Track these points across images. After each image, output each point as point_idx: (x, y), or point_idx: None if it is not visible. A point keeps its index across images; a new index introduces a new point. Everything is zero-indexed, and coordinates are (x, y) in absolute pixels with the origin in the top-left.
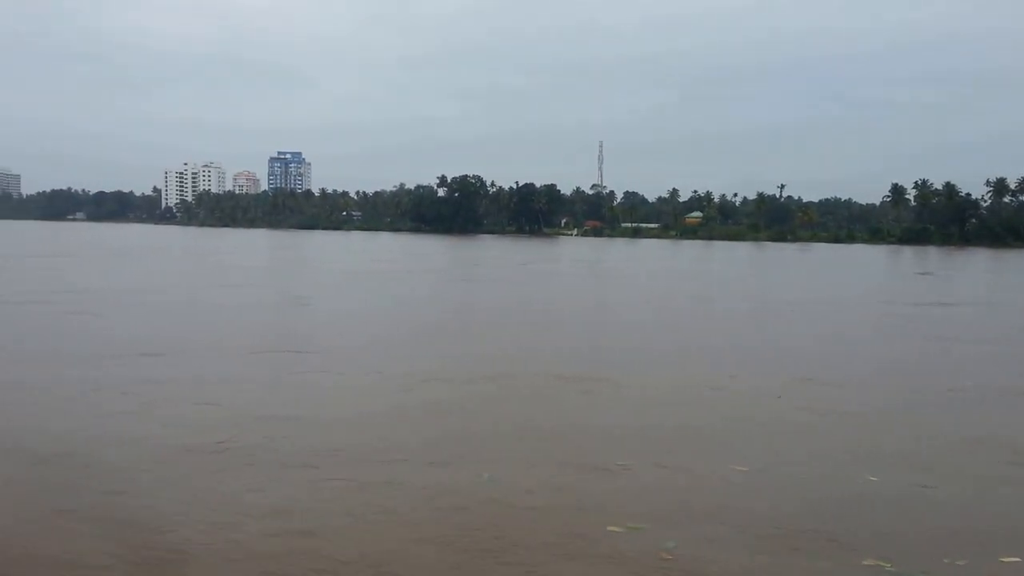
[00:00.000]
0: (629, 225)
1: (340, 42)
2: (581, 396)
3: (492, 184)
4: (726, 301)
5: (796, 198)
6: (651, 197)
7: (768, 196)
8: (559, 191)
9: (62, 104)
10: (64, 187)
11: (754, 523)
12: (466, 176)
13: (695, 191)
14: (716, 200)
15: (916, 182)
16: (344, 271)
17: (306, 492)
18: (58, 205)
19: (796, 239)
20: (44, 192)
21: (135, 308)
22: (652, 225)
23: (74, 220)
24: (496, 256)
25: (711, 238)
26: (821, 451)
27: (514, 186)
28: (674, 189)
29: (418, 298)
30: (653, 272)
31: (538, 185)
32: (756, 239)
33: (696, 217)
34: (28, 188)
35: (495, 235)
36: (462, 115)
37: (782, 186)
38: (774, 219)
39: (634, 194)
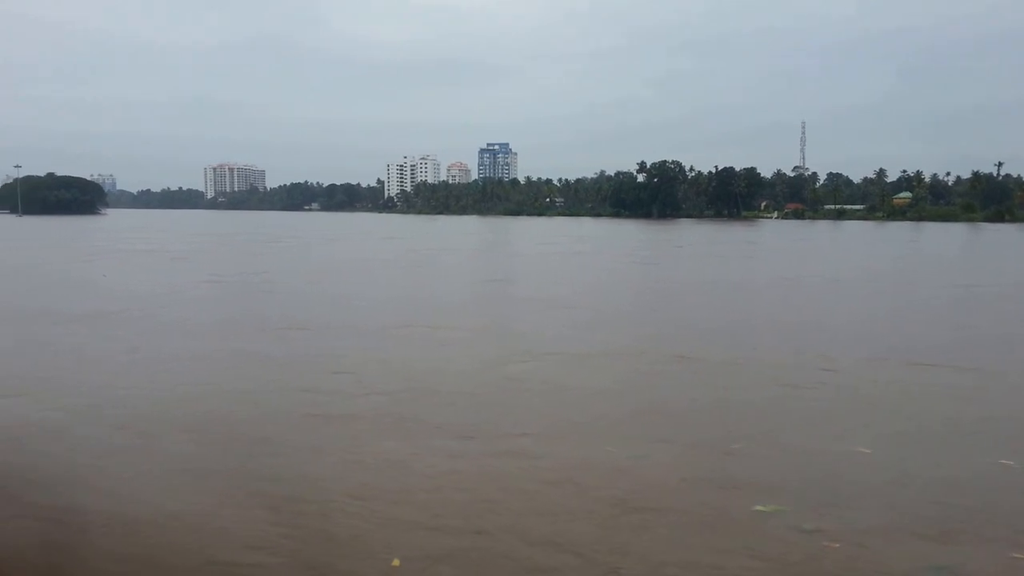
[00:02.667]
0: (832, 207)
1: (543, 37)
2: (713, 374)
3: (691, 169)
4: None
5: (1015, 176)
6: (856, 178)
7: (984, 175)
8: (759, 174)
9: (301, 103)
10: (301, 181)
11: (897, 508)
12: (664, 162)
13: (903, 170)
14: (926, 180)
15: None
16: (541, 253)
17: (451, 463)
18: (296, 197)
19: (1015, 219)
20: (284, 185)
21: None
22: (857, 207)
23: (309, 210)
24: (671, 238)
25: (920, 219)
26: (946, 434)
27: (713, 170)
28: (881, 169)
29: (606, 279)
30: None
31: (737, 169)
32: (970, 220)
33: (904, 198)
34: (271, 182)
35: (693, 219)
36: (661, 100)
37: (999, 164)
38: (990, 198)
39: (838, 175)
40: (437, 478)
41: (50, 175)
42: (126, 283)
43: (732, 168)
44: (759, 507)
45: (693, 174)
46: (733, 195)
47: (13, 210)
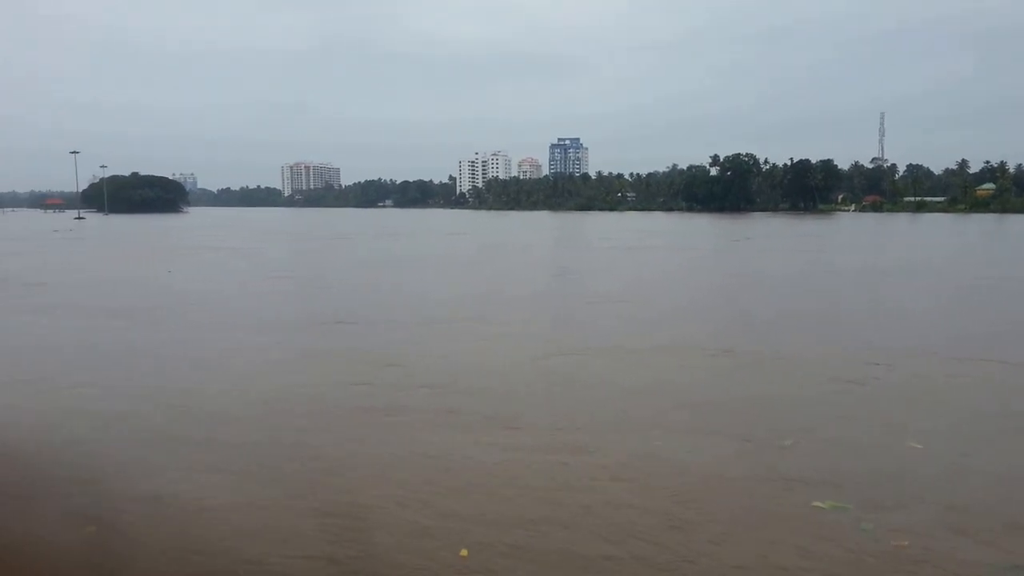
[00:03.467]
0: (912, 199)
1: (614, 29)
2: (758, 369)
3: (765, 161)
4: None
5: None
6: (937, 169)
7: None
8: (836, 166)
9: (374, 103)
10: (375, 178)
11: (960, 504)
12: (738, 154)
13: (987, 161)
14: (1011, 170)
15: None
16: (607, 248)
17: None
18: (370, 194)
19: None
20: (359, 183)
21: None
22: (937, 199)
23: (383, 207)
24: (734, 232)
25: (1004, 211)
26: (999, 427)
27: (788, 163)
28: (963, 160)
29: (667, 273)
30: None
31: (813, 161)
32: None
33: (988, 189)
34: (346, 179)
35: (767, 213)
36: (734, 93)
37: None
38: None
39: (918, 167)
40: (492, 471)
41: (134, 175)
42: (194, 279)
43: (808, 160)
44: (817, 503)
45: (768, 167)
46: (809, 188)
47: (100, 208)
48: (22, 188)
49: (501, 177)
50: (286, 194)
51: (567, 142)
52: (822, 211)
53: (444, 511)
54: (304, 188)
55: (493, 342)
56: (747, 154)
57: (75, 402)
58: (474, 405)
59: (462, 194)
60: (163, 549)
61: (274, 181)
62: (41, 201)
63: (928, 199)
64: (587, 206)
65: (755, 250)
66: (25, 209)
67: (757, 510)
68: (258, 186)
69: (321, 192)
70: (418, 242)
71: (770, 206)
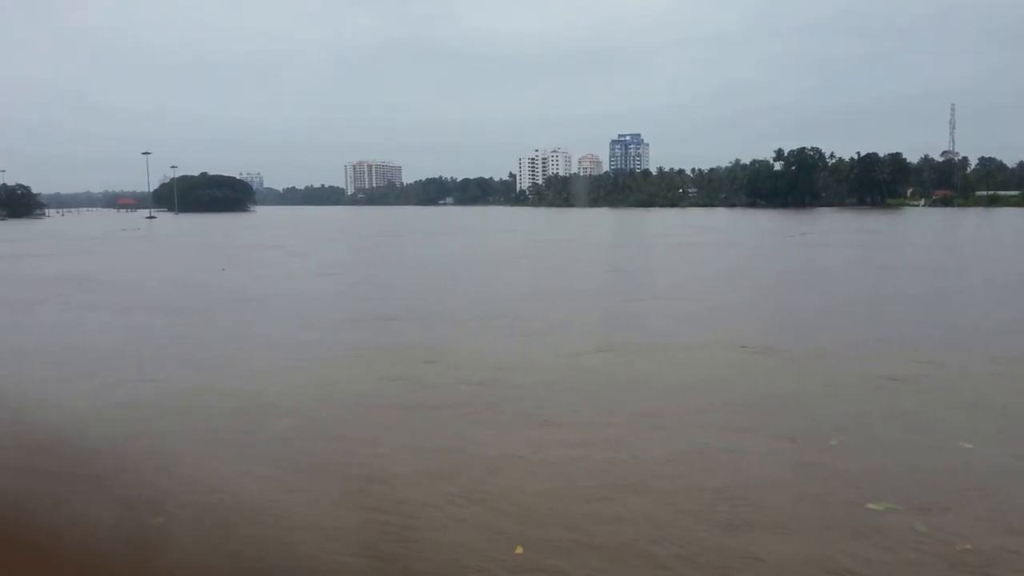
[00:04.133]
0: (984, 193)
1: (673, 21)
2: (783, 369)
3: (831, 156)
4: None
5: None
6: (1011, 163)
7: None
8: (904, 159)
9: (435, 101)
10: (436, 175)
11: (1013, 508)
12: (803, 149)
13: None
14: None
15: None
16: (664, 244)
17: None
18: (431, 192)
19: None
20: (420, 181)
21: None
22: (1011, 192)
23: (444, 205)
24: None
25: None
26: None
27: (855, 156)
28: None
29: (721, 268)
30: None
31: (881, 155)
32: None
33: None
34: (408, 178)
35: (833, 208)
36: (799, 86)
37: None
38: None
39: (991, 160)
40: (539, 468)
41: (203, 174)
42: (247, 277)
43: (875, 154)
44: (872, 505)
45: (834, 161)
46: (876, 182)
47: (170, 208)
48: (96, 188)
49: (561, 174)
50: (349, 192)
51: (627, 138)
52: (890, 206)
53: (494, 508)
54: (367, 187)
55: (536, 338)
56: (812, 148)
57: (131, 397)
58: (516, 402)
59: (522, 191)
60: (218, 542)
61: (338, 180)
62: (114, 201)
63: (1001, 193)
64: (648, 202)
65: (807, 246)
66: (99, 209)
67: (810, 510)
68: (322, 185)
69: (383, 190)
70: (470, 240)
71: (836, 201)
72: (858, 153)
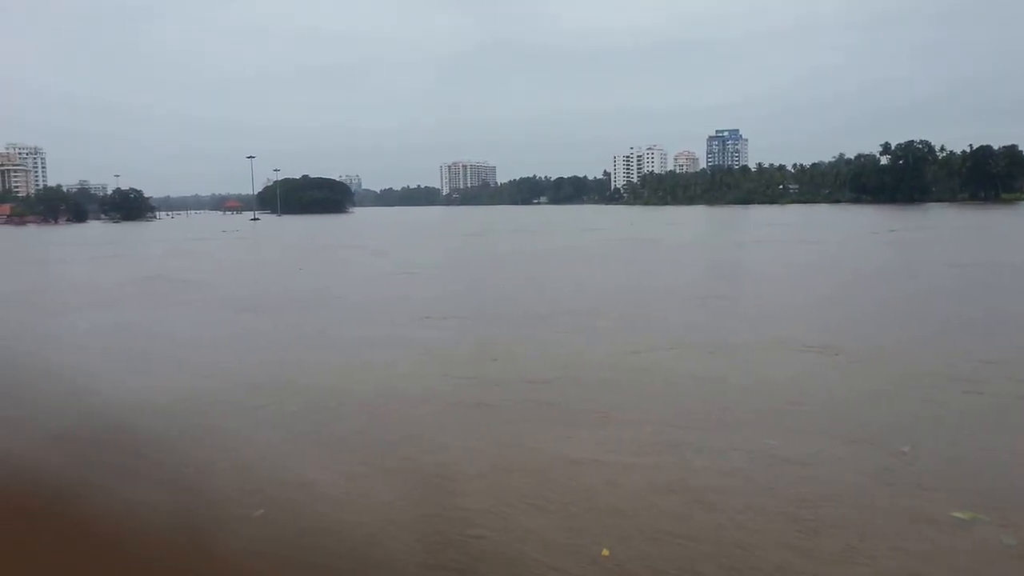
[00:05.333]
0: None
1: (776, 12)
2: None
3: (942, 149)
4: None
5: None
6: None
7: None
8: (1021, 152)
9: (530, 100)
10: (530, 175)
11: None
12: (912, 142)
13: None
14: None
15: None
16: (752, 242)
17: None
18: (524, 191)
19: None
20: (514, 180)
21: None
22: None
23: (538, 204)
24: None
25: None
26: None
27: (967, 149)
28: None
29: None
30: None
31: (996, 147)
32: None
33: None
34: (502, 177)
35: (943, 203)
36: (910, 77)
37: None
38: None
39: None
40: (612, 469)
41: (304, 177)
42: (324, 276)
43: (989, 147)
44: (957, 514)
45: (944, 154)
46: (991, 176)
47: (273, 210)
48: (204, 191)
49: (656, 171)
50: (444, 193)
51: (725, 134)
52: (1005, 200)
53: (573, 510)
54: (461, 187)
55: (600, 335)
56: (922, 141)
57: (202, 391)
58: (582, 401)
59: (616, 190)
60: (300, 534)
61: (433, 180)
62: (221, 204)
63: None
64: (746, 199)
65: (906, 243)
66: (206, 211)
67: (890, 518)
68: (418, 186)
69: (477, 190)
70: (554, 239)
71: (947, 196)
72: (971, 146)
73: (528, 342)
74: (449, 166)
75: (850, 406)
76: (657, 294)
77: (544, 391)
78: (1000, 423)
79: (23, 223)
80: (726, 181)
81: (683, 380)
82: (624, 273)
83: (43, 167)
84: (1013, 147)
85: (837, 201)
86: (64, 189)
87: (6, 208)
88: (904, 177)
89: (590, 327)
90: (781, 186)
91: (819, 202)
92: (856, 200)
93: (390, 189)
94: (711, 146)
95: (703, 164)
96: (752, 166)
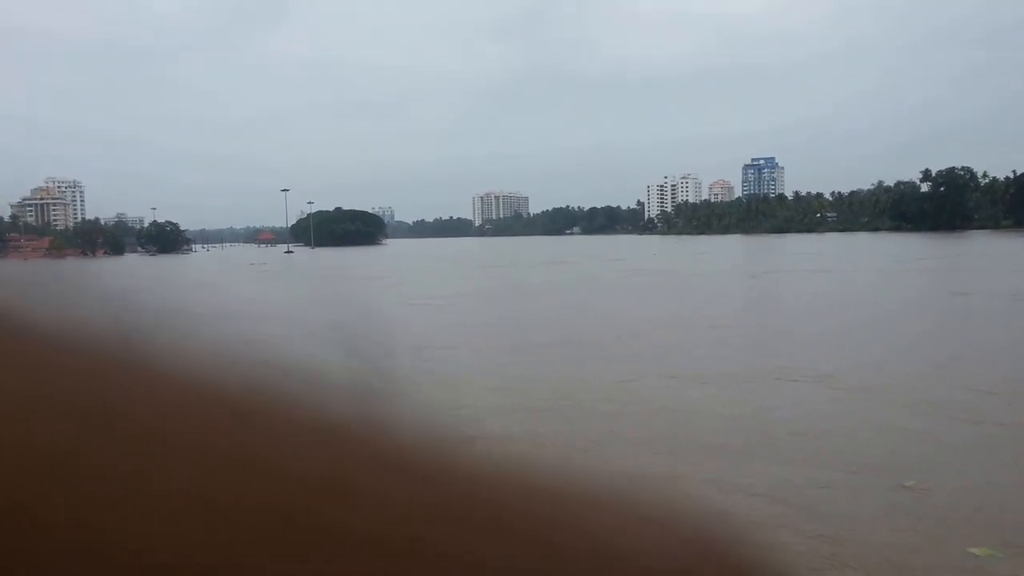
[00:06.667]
0: None
1: (811, 39)
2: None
3: (984, 175)
4: None
5: None
6: None
7: None
8: None
9: (565, 129)
10: (563, 205)
11: None
12: (952, 168)
13: None
14: None
15: None
16: (782, 272)
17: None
18: (557, 222)
19: None
20: (547, 211)
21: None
22: None
23: (570, 235)
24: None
25: None
26: None
27: (1010, 176)
28: None
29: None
30: None
31: None
32: None
33: None
34: (534, 208)
35: (986, 231)
36: (950, 100)
37: None
38: None
39: None
40: None
41: (337, 209)
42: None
43: None
44: (973, 550)
45: (987, 181)
46: None
47: (307, 242)
48: (239, 224)
49: (691, 201)
50: (476, 224)
51: (761, 162)
52: None
53: None
54: (494, 217)
55: (592, 364)
56: (963, 167)
57: None
58: (562, 425)
59: (650, 219)
60: None
61: (466, 211)
62: (255, 236)
63: None
64: (783, 228)
65: (913, 272)
66: (241, 244)
67: (907, 554)
68: (450, 217)
69: (510, 221)
70: (577, 270)
71: (990, 224)
72: (1014, 172)
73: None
74: (482, 197)
75: (850, 437)
76: (670, 325)
77: (543, 420)
78: (1004, 457)
79: (62, 256)
80: (762, 210)
81: (666, 408)
82: (612, 302)
83: (82, 200)
84: None
85: (876, 229)
86: (102, 222)
87: (45, 241)
88: (945, 205)
89: (590, 355)
90: (819, 214)
91: (858, 230)
92: (896, 228)
93: (423, 221)
94: (747, 174)
95: (738, 193)
96: (789, 194)
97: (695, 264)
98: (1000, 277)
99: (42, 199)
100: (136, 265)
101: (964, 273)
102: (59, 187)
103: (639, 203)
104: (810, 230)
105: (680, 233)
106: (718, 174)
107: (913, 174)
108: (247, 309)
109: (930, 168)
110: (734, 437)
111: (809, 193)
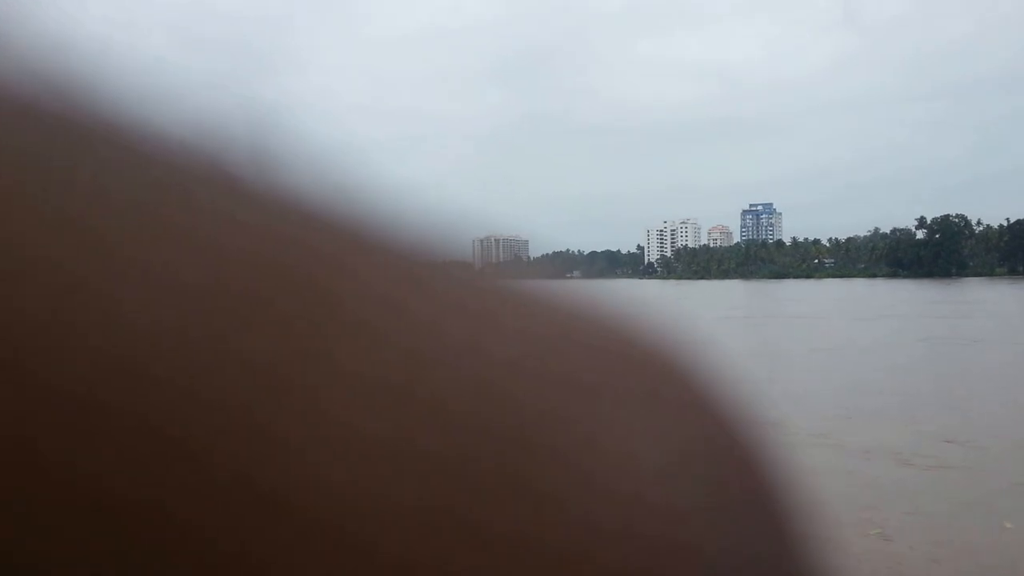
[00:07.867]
0: None
1: (808, 89)
2: None
3: (978, 223)
4: None
5: None
6: None
7: None
8: None
9: (566, 174)
10: (563, 249)
11: None
12: (947, 216)
13: None
14: None
15: None
16: (782, 317)
17: None
18: (557, 265)
19: None
20: (547, 254)
21: None
22: None
23: (570, 278)
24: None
25: None
26: None
27: (1004, 223)
28: None
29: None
30: None
31: None
32: None
33: None
34: (534, 251)
35: (980, 278)
36: (946, 147)
37: None
38: None
39: None
40: None
41: None
42: None
43: None
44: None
45: (981, 228)
46: None
47: None
48: None
49: (691, 245)
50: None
51: (759, 207)
52: None
53: None
54: (493, 261)
55: None
56: (957, 215)
57: None
58: None
59: (650, 264)
60: None
61: (465, 256)
62: None
63: None
64: (781, 274)
65: (888, 318)
66: None
67: None
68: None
69: (507, 265)
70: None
71: (985, 271)
72: (1007, 219)
73: None
74: (482, 240)
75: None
76: None
77: None
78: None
79: None
80: (760, 255)
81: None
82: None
83: None
84: None
85: (873, 275)
86: None
87: None
88: (941, 252)
89: None
90: (816, 260)
91: (855, 276)
92: (893, 275)
93: None
94: (745, 220)
95: (737, 238)
96: (787, 240)
97: (671, 308)
98: (975, 324)
99: None
100: None
101: (943, 320)
102: None
103: (639, 247)
104: (808, 276)
105: (679, 278)
106: (717, 219)
107: (909, 221)
108: None
109: (925, 215)
110: None
111: (807, 239)
